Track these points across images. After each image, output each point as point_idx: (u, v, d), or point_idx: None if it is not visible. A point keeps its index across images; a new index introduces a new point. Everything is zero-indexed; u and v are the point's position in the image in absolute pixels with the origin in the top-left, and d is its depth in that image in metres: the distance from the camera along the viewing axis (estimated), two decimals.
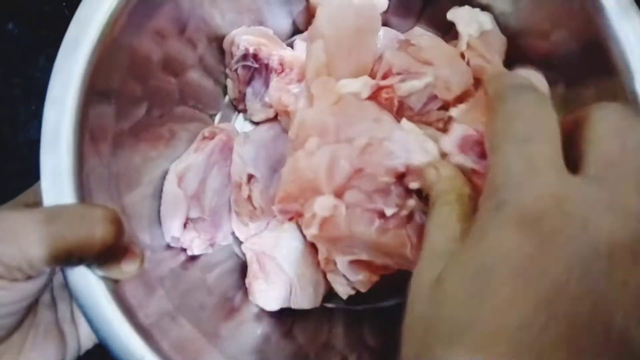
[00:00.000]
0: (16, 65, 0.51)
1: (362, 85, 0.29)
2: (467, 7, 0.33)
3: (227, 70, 0.37)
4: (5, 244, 0.21)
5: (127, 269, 0.25)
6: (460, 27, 0.33)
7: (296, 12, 0.37)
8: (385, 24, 0.37)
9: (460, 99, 0.30)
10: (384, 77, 0.30)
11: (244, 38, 0.34)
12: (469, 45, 0.32)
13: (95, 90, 0.27)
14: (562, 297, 0.16)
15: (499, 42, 0.33)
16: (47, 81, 0.47)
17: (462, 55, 0.32)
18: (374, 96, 0.29)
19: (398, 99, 0.29)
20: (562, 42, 0.30)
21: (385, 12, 0.34)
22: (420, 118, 0.30)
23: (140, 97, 0.31)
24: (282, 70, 0.34)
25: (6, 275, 0.22)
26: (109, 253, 0.23)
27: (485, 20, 0.33)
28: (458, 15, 0.33)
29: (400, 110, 0.30)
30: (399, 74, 0.30)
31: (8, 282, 0.22)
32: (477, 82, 0.31)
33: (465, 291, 0.17)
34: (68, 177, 0.25)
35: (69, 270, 0.24)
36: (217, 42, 0.36)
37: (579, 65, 0.29)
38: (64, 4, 0.48)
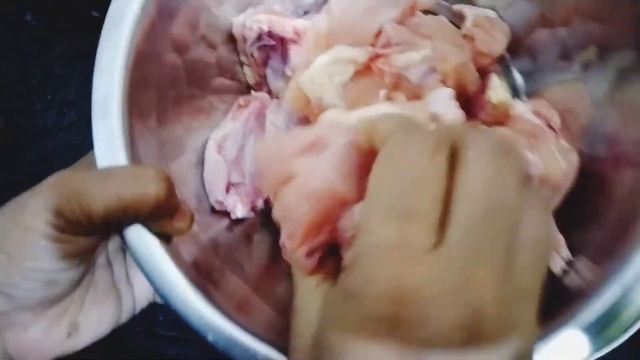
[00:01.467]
0: (33, 55, 0.52)
1: (358, 52, 0.30)
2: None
3: (242, 57, 0.38)
4: (66, 201, 0.23)
5: (179, 225, 0.27)
6: (467, 11, 0.35)
7: None
8: None
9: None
10: (383, 47, 0.31)
11: (255, 18, 0.35)
12: (475, 23, 0.33)
13: (139, 64, 0.28)
14: None
15: (503, 27, 0.35)
16: (64, 71, 0.51)
17: (466, 38, 0.33)
18: (369, 65, 0.30)
19: (397, 71, 0.30)
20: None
21: None
22: (418, 91, 0.30)
23: (180, 68, 0.32)
24: (299, 38, 0.35)
25: (68, 230, 0.24)
26: (161, 210, 0.25)
27: (490, 12, 0.35)
28: (465, 6, 0.35)
29: (398, 84, 0.30)
30: (397, 44, 0.31)
31: (70, 235, 0.24)
32: (481, 55, 0.32)
33: None
34: (120, 143, 0.27)
35: (127, 230, 0.26)
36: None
37: None
38: None
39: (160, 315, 0.46)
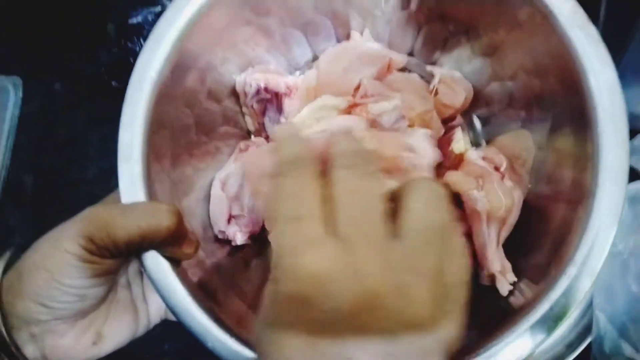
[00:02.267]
0: (60, 119, 0.59)
1: (341, 100, 0.37)
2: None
3: (244, 108, 0.44)
4: (97, 230, 0.28)
5: (187, 251, 0.32)
6: (436, 71, 0.41)
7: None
8: (410, 54, 0.45)
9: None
10: (361, 97, 0.38)
11: (254, 77, 0.42)
12: (441, 80, 0.40)
13: (156, 118, 0.35)
14: None
15: (466, 85, 0.41)
16: (87, 133, 0.59)
17: (432, 92, 0.40)
18: (349, 111, 0.37)
19: (372, 117, 0.37)
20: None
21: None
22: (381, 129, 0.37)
23: (190, 119, 0.39)
24: (290, 92, 0.42)
25: (97, 253, 0.29)
26: (172, 239, 0.30)
27: (456, 72, 0.41)
28: (436, 67, 0.42)
29: (371, 126, 0.37)
30: (372, 96, 0.37)
31: (99, 258, 0.29)
32: (445, 107, 0.38)
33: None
34: (139, 182, 0.32)
35: (144, 254, 0.31)
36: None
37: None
38: (103, 69, 0.56)
39: (166, 345, 0.50)
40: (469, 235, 0.36)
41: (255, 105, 0.43)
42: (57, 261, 0.28)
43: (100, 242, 0.28)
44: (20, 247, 0.31)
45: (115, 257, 0.30)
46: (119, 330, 0.33)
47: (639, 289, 0.38)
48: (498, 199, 0.34)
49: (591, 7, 0.32)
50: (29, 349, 0.30)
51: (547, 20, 0.32)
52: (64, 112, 0.60)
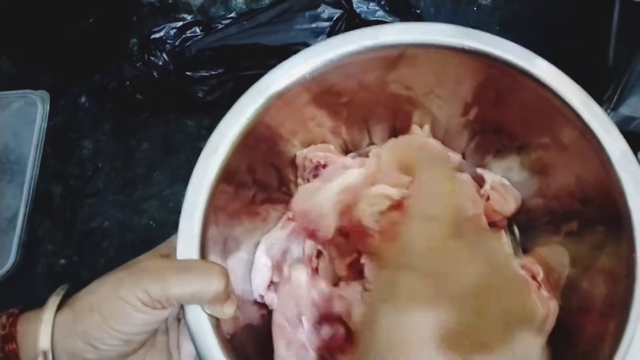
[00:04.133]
0: (86, 131, 0.63)
1: (396, 191, 0.40)
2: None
3: (300, 180, 0.47)
4: (154, 284, 0.31)
5: (227, 310, 0.34)
6: (487, 176, 0.44)
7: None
8: (463, 157, 0.48)
9: None
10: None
11: (315, 154, 0.45)
12: (492, 186, 0.42)
13: (222, 180, 0.37)
14: None
15: (515, 194, 0.43)
16: (112, 145, 0.62)
17: (483, 196, 0.42)
18: (401, 202, 0.40)
19: None
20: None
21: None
22: None
23: (250, 185, 0.42)
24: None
25: (150, 305, 0.31)
26: (218, 298, 0.32)
27: (505, 180, 0.44)
28: (486, 171, 0.44)
29: None
30: None
31: (150, 309, 0.31)
32: (495, 213, 0.41)
33: None
34: (196, 241, 0.34)
35: (187, 307, 0.33)
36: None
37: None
38: (127, 82, 0.59)
39: None
40: None
41: (311, 179, 0.46)
42: (112, 307, 0.31)
43: (155, 296, 0.30)
44: (75, 286, 0.33)
45: (165, 309, 0.32)
46: None
47: None
48: (534, 305, 0.36)
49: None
50: None
51: (596, 154, 0.34)
52: (90, 125, 0.63)
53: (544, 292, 0.37)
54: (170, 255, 0.35)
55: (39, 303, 0.32)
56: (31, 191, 0.60)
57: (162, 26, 0.58)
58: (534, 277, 0.38)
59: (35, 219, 0.59)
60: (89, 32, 0.61)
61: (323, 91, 0.40)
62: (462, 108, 0.43)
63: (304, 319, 0.38)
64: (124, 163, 0.61)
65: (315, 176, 0.46)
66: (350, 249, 0.43)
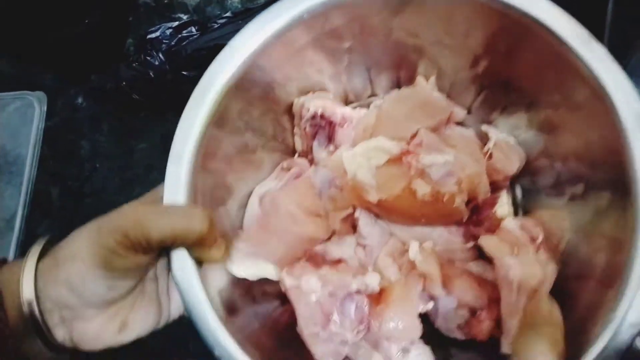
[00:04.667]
0: (84, 132, 0.62)
1: (395, 144, 0.38)
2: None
3: (296, 129, 0.45)
4: (132, 227, 0.29)
5: (214, 254, 0.33)
6: (492, 133, 0.42)
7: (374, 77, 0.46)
8: (469, 112, 0.45)
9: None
10: (415, 146, 0.38)
11: (313, 102, 0.43)
12: (495, 144, 0.40)
13: (213, 124, 0.35)
14: None
15: (520, 153, 0.42)
16: (110, 144, 0.61)
17: (486, 154, 0.40)
18: (400, 157, 0.38)
19: (421, 167, 0.37)
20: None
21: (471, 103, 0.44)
22: (433, 187, 0.37)
23: (243, 131, 0.40)
24: (344, 123, 0.43)
25: (130, 248, 0.30)
26: (202, 242, 0.32)
27: (511, 138, 0.42)
28: (491, 128, 0.42)
29: (420, 175, 0.38)
30: (426, 146, 0.38)
31: (132, 254, 0.30)
32: (496, 172, 0.39)
33: None
34: (184, 185, 0.33)
35: (173, 254, 0.32)
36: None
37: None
38: (123, 82, 0.59)
39: (190, 344, 0.51)
40: (496, 302, 0.36)
41: (308, 129, 0.44)
42: (92, 253, 0.30)
43: (135, 239, 0.30)
44: (55, 236, 0.33)
45: (147, 254, 0.31)
46: (142, 321, 0.34)
47: None
48: (532, 268, 0.34)
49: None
50: (59, 332, 0.31)
51: (607, 115, 0.32)
52: (87, 125, 0.63)
53: (542, 255, 0.36)
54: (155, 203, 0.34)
55: None
56: (29, 192, 0.60)
57: (158, 26, 0.58)
58: (532, 240, 0.37)
59: (33, 219, 0.59)
60: (85, 33, 0.61)
61: (324, 34, 0.38)
62: (470, 60, 0.41)
63: (332, 317, 0.36)
64: (122, 163, 0.61)
65: (312, 126, 0.44)
66: (345, 202, 0.41)
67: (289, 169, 0.44)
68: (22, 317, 0.29)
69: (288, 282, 0.35)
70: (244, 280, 0.37)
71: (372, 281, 0.35)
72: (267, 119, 0.43)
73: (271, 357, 0.34)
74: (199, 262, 0.33)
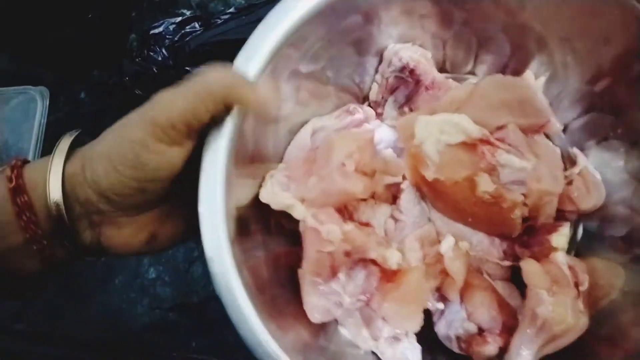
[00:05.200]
0: (86, 126, 0.60)
1: (477, 129, 0.34)
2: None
3: (378, 76, 0.42)
4: (160, 112, 0.28)
5: (259, 95, 0.31)
6: (580, 159, 0.38)
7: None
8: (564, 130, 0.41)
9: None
10: (497, 139, 0.35)
11: (407, 54, 0.39)
12: (580, 173, 0.37)
13: (289, 42, 0.33)
14: None
15: (601, 192, 0.38)
16: None
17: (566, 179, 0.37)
18: (476, 144, 0.35)
19: (494, 162, 0.34)
20: None
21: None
22: (498, 189, 0.34)
23: (320, 58, 0.37)
24: (432, 88, 0.40)
25: (162, 138, 0.28)
26: (235, 89, 0.29)
27: (597, 173, 0.38)
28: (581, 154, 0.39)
29: (488, 172, 0.34)
30: (509, 144, 0.34)
31: (164, 145, 0.28)
32: (569, 201, 0.37)
33: None
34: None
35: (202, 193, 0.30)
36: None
37: None
38: (126, 78, 0.57)
39: (193, 342, 0.51)
40: (509, 330, 0.33)
41: (392, 80, 0.41)
42: (121, 150, 0.28)
43: (163, 124, 0.28)
44: (81, 136, 0.32)
45: (176, 146, 0.29)
46: (171, 235, 0.33)
47: None
48: (564, 314, 0.31)
49: None
50: (86, 234, 0.30)
51: None
52: (89, 120, 0.61)
53: (580, 304, 0.32)
54: None
55: None
56: None
57: (161, 22, 0.57)
58: (576, 285, 0.33)
59: None
60: (88, 28, 0.61)
61: None
62: (593, 73, 0.36)
63: (339, 275, 0.34)
64: None
65: (397, 78, 0.41)
66: (397, 169, 0.38)
67: (352, 114, 0.41)
68: (51, 218, 0.29)
69: (310, 223, 0.33)
70: (267, 206, 0.36)
71: (393, 257, 0.32)
72: (352, 55, 0.40)
73: (263, 289, 0.32)
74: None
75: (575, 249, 0.40)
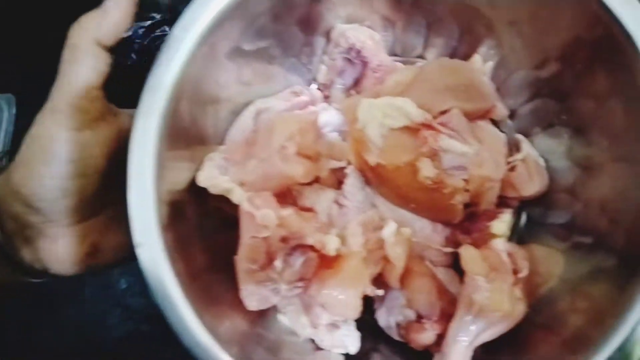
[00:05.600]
0: None
1: (420, 113, 0.34)
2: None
3: (325, 57, 0.41)
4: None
5: None
6: (524, 145, 0.38)
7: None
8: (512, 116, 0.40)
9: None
10: (440, 124, 0.34)
11: (354, 34, 0.38)
12: (524, 160, 0.37)
13: (235, 14, 0.31)
14: None
15: (544, 179, 0.38)
16: None
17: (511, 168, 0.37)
18: (418, 128, 0.34)
19: (436, 147, 0.33)
20: None
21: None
22: (439, 174, 0.33)
23: (267, 34, 0.35)
24: (379, 70, 0.39)
25: (64, 123, 0.27)
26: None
27: (541, 159, 0.38)
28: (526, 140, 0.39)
29: (430, 157, 0.34)
30: (452, 129, 0.34)
31: (74, 131, 0.27)
32: (511, 187, 0.37)
33: None
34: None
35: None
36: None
37: None
38: None
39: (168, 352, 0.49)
40: (448, 318, 0.33)
41: (338, 62, 0.39)
42: (34, 148, 0.27)
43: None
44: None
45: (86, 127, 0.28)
46: (115, 245, 0.32)
47: None
48: (501, 301, 0.31)
49: None
50: (25, 252, 0.29)
51: None
52: None
53: (517, 292, 0.32)
54: None
55: None
56: None
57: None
58: (515, 272, 0.33)
59: None
60: (54, 31, 0.56)
61: None
62: (541, 59, 0.35)
63: (275, 262, 0.32)
64: None
65: (343, 60, 0.39)
66: (342, 153, 0.37)
67: (299, 95, 0.39)
68: None
69: (245, 208, 0.32)
70: (205, 190, 0.34)
71: (331, 243, 0.32)
72: (299, 33, 0.38)
73: (196, 276, 0.31)
74: None
75: (518, 236, 0.40)
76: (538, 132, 0.39)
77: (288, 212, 0.32)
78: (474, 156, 0.34)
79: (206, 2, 0.30)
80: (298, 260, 0.32)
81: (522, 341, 0.33)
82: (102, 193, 0.30)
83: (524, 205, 0.39)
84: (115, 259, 0.33)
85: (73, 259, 0.30)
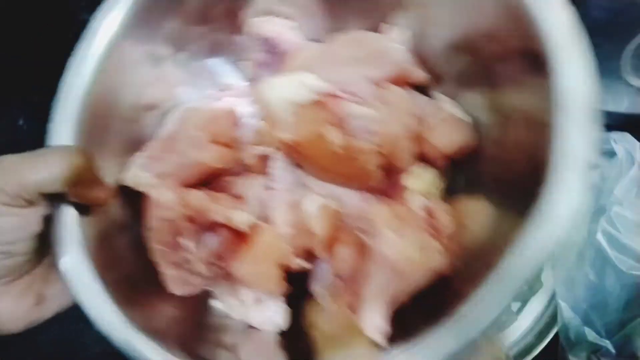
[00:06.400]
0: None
1: (324, 85, 0.34)
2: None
3: (250, 53, 0.42)
4: (9, 177, 0.27)
5: (98, 194, 0.31)
6: (444, 104, 0.38)
7: None
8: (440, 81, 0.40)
9: None
10: (344, 92, 0.34)
11: (268, 26, 0.40)
12: (444, 119, 0.36)
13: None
14: None
15: (466, 135, 0.36)
16: None
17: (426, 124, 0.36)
18: (324, 100, 0.34)
19: (342, 115, 0.33)
20: None
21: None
22: (348, 140, 0.33)
23: (187, 37, 0.38)
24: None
25: (11, 203, 0.27)
26: (81, 180, 0.29)
27: (468, 117, 0.37)
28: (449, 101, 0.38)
29: (339, 125, 0.34)
30: (355, 96, 0.34)
31: (16, 208, 0.28)
32: (432, 147, 0.36)
33: None
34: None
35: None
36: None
37: None
38: None
39: None
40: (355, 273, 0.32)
41: (259, 55, 0.41)
42: None
43: (12, 191, 0.27)
44: None
45: (33, 207, 0.29)
46: (61, 291, 0.31)
47: (595, 278, 0.41)
48: (413, 253, 0.30)
49: None
50: None
51: None
52: (29, 147, 0.60)
53: (435, 244, 0.31)
54: None
55: None
56: None
57: None
58: (434, 226, 0.32)
59: None
60: (23, 50, 0.59)
61: None
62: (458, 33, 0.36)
63: (182, 240, 0.33)
64: None
65: (266, 53, 0.41)
66: (268, 139, 0.38)
67: (221, 97, 0.41)
68: None
69: (150, 195, 0.33)
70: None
71: (238, 217, 0.32)
72: (220, 32, 0.41)
73: (115, 269, 0.32)
74: (85, 208, 0.31)
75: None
76: (465, 92, 0.38)
77: (195, 193, 0.33)
78: (381, 119, 0.34)
79: (110, 10, 0.33)
80: (212, 239, 0.33)
81: (451, 295, 0.31)
82: (40, 247, 0.31)
83: (458, 166, 0.38)
84: (64, 304, 0.32)
85: (21, 313, 0.30)
